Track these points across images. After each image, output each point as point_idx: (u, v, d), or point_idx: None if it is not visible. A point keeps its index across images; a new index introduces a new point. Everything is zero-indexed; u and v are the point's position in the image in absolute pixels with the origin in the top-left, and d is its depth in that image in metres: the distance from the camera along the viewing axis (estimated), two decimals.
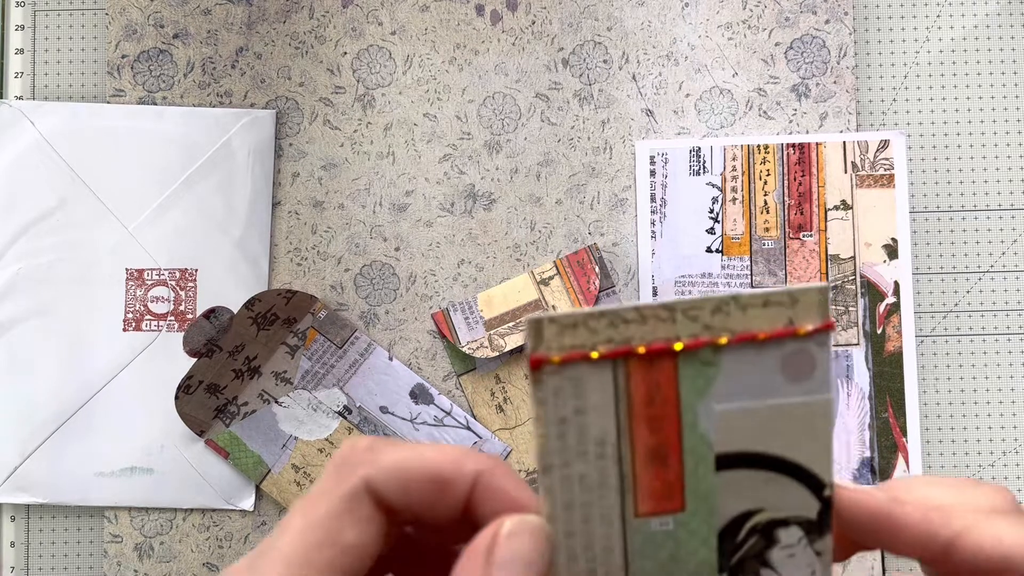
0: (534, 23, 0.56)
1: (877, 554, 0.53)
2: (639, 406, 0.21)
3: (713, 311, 0.20)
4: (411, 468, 0.21)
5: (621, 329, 0.20)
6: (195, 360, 0.53)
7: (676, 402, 0.21)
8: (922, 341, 0.55)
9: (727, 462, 0.21)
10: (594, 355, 0.20)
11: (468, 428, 0.54)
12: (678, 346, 0.20)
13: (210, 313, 0.52)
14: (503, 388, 0.55)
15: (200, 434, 0.54)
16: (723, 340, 0.20)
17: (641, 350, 0.20)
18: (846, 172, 0.54)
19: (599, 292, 0.54)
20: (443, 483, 0.21)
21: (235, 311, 0.53)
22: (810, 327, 0.20)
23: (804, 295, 0.20)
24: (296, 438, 0.54)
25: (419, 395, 0.55)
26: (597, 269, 0.54)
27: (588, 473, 0.21)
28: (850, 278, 0.54)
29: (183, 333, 0.53)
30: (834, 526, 0.22)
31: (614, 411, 0.21)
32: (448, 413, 0.54)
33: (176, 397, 0.53)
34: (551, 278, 0.54)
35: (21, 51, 0.58)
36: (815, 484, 0.22)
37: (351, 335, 0.55)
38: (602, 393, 0.20)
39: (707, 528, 0.22)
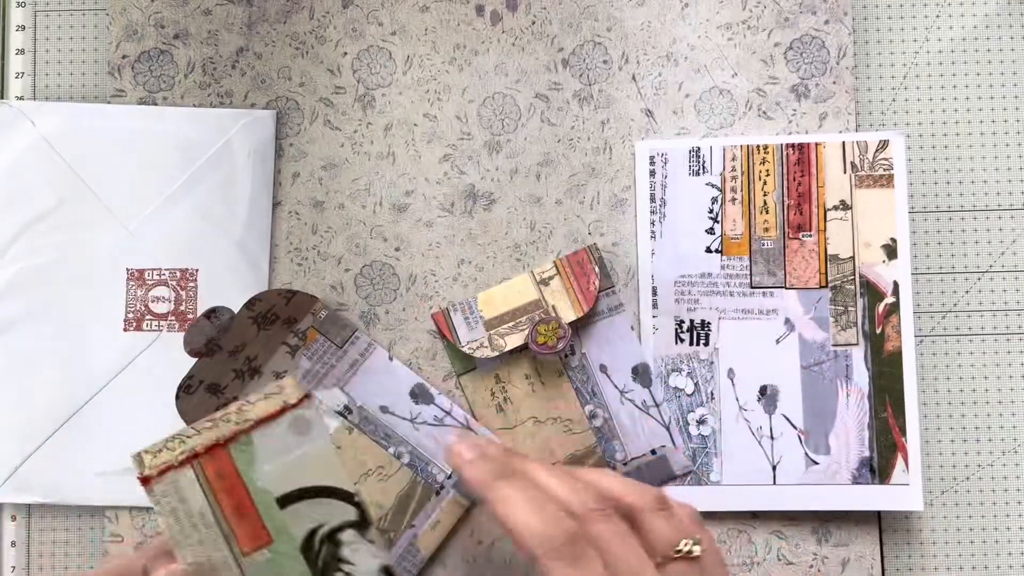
0: (534, 23, 0.57)
1: (876, 554, 0.53)
2: (216, 485, 0.32)
3: (237, 412, 0.33)
4: None
5: (189, 442, 0.32)
6: (196, 360, 0.53)
7: (238, 475, 0.32)
8: (921, 341, 0.55)
9: (287, 500, 0.32)
10: (176, 464, 0.32)
11: (468, 428, 0.54)
12: (222, 442, 0.32)
13: (211, 313, 0.52)
14: (503, 388, 0.55)
15: None
16: (248, 428, 0.33)
17: (202, 451, 0.32)
18: (845, 172, 0.54)
19: (599, 292, 0.55)
20: None
21: (235, 311, 0.53)
22: (294, 401, 0.33)
23: (286, 386, 0.34)
24: None
25: (419, 395, 0.55)
26: (597, 269, 0.54)
27: (203, 538, 0.32)
28: (849, 278, 0.54)
29: (184, 333, 0.53)
30: None
31: (203, 493, 0.32)
32: (448, 413, 0.55)
33: (177, 397, 0.53)
34: (551, 278, 0.55)
35: (22, 51, 0.58)
36: (346, 496, 0.33)
37: (351, 335, 0.55)
38: (192, 485, 0.32)
39: (294, 549, 0.32)
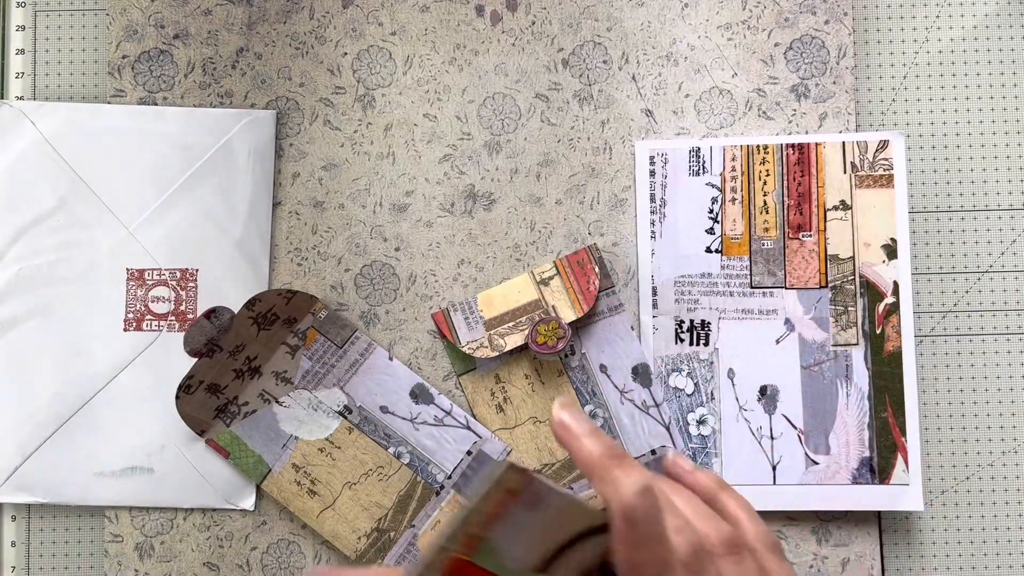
0: (534, 23, 0.57)
1: (876, 554, 0.53)
2: None
3: (463, 523, 0.28)
4: None
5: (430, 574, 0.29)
6: (196, 360, 0.53)
7: (489, 574, 0.29)
8: (921, 341, 0.55)
9: (545, 564, 0.30)
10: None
11: (468, 428, 0.54)
12: (463, 559, 0.29)
13: (211, 313, 0.52)
14: (503, 388, 0.55)
15: (201, 434, 0.54)
16: (482, 532, 0.29)
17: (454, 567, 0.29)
18: (845, 172, 0.54)
19: (599, 292, 0.55)
20: None
21: (235, 311, 0.53)
22: (518, 487, 0.29)
23: (505, 479, 0.29)
24: (297, 438, 0.55)
25: (419, 395, 0.55)
26: (597, 269, 0.54)
27: None
28: (849, 278, 0.54)
29: (184, 333, 0.53)
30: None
31: None
32: (448, 413, 0.55)
33: (177, 397, 0.53)
34: (551, 278, 0.55)
35: (22, 51, 0.58)
36: (601, 528, 0.31)
37: (351, 335, 0.55)
38: None
39: None
